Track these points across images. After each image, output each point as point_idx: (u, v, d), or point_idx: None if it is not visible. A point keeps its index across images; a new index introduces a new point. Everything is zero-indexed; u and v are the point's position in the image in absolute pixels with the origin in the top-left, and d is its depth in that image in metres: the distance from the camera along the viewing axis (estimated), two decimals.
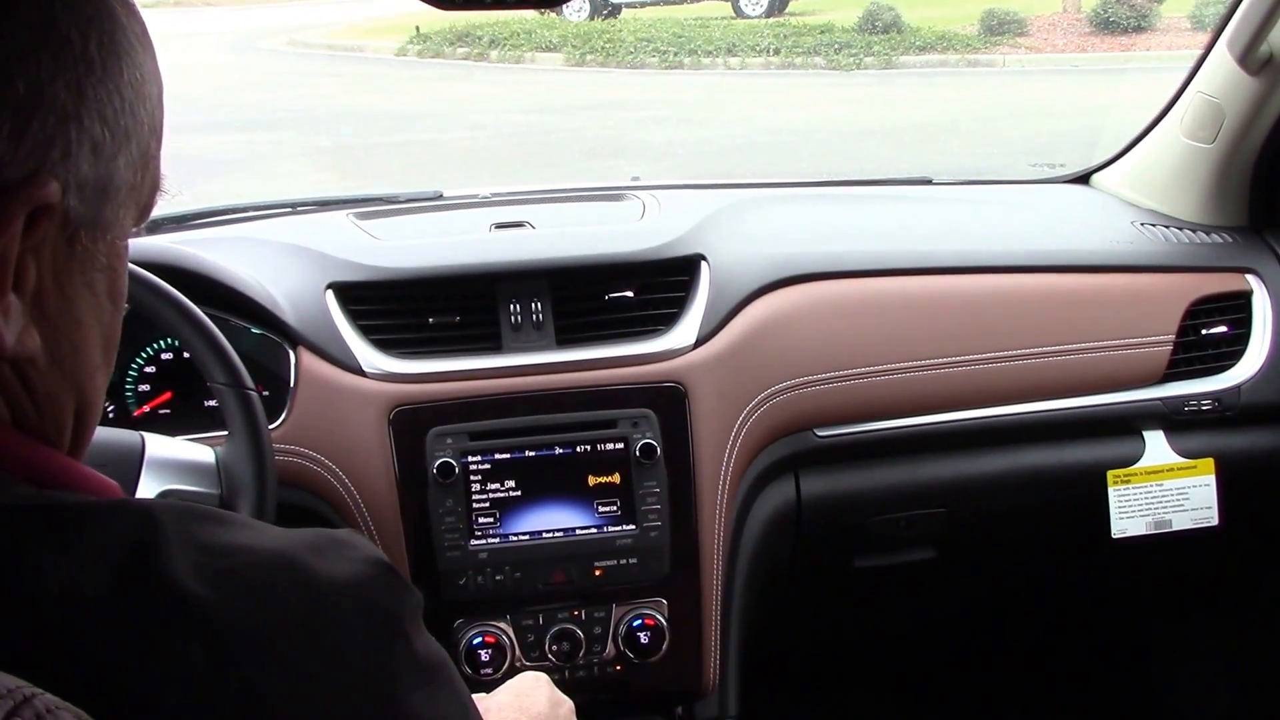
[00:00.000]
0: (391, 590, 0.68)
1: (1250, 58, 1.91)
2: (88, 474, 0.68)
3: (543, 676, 1.27)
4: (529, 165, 7.60)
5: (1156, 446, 1.94)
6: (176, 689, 0.58)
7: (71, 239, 0.65)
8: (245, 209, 2.04)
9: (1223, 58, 1.96)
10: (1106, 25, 12.10)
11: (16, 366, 0.65)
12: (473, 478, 1.64)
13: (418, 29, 13.48)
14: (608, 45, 12.59)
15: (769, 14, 14.59)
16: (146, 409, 1.70)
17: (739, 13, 14.69)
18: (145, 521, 0.62)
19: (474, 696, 1.25)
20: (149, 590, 0.59)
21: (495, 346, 1.71)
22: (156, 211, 2.08)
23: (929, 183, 2.32)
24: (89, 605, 0.58)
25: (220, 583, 0.61)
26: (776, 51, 12.36)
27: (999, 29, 12.41)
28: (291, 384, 1.66)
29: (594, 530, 1.66)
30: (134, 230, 0.72)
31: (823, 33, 12.70)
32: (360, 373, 1.66)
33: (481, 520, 1.64)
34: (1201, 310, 1.97)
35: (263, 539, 0.65)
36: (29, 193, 0.61)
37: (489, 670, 1.64)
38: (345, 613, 0.65)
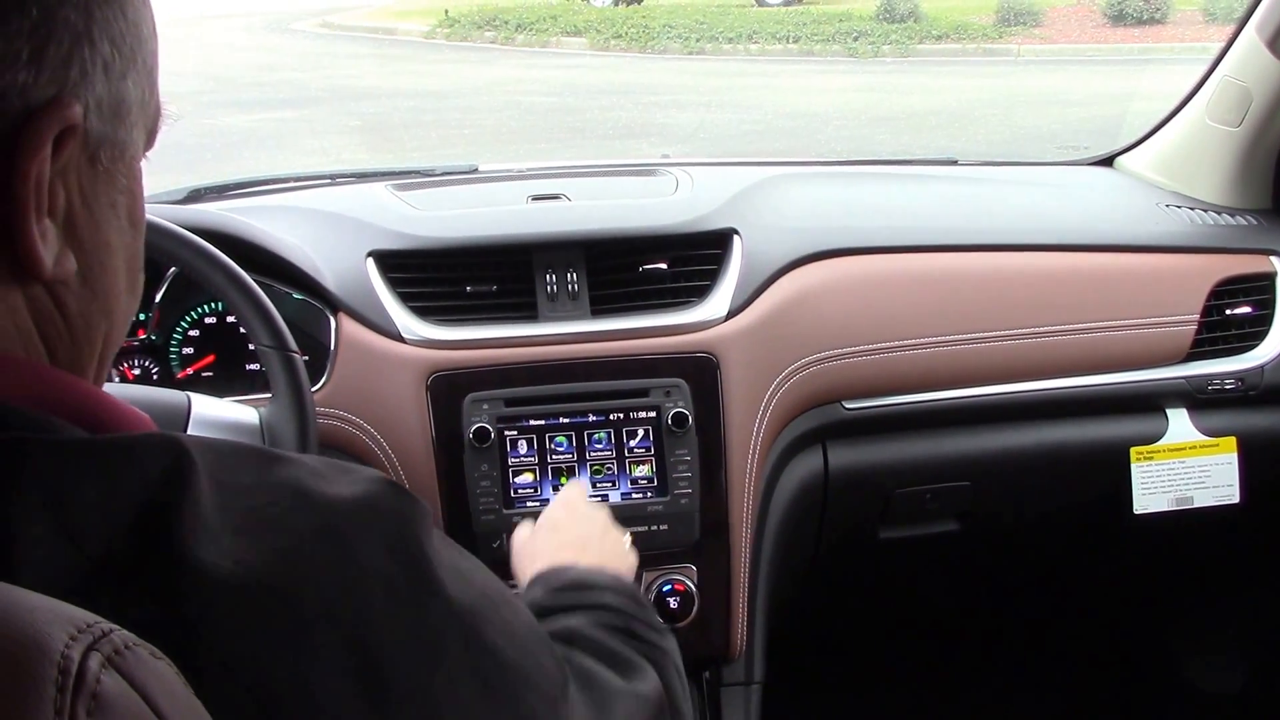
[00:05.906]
0: (398, 498, 0.70)
1: None
2: (129, 413, 0.70)
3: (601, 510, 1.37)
4: (558, 145, 7.63)
5: (1180, 424, 1.96)
6: (200, 640, 0.58)
7: (93, 160, 0.67)
8: (285, 179, 2.07)
9: (1251, 42, 1.97)
10: (1121, 17, 12.09)
11: (52, 291, 0.67)
12: (507, 443, 1.67)
13: (446, 12, 13.54)
14: (632, 30, 12.64)
15: (789, 2, 14.59)
16: (190, 371, 1.74)
17: (760, 1, 14.69)
18: (175, 457, 0.63)
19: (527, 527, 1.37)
20: (160, 546, 0.60)
21: (531, 315, 1.74)
22: (199, 181, 2.09)
23: (955, 163, 2.34)
24: (120, 542, 0.59)
25: (237, 524, 0.62)
26: (796, 39, 12.40)
27: (1015, 19, 12.41)
28: (332, 349, 1.69)
29: (626, 497, 1.69)
30: (145, 154, 0.74)
31: (841, 21, 12.72)
32: (399, 339, 1.69)
33: (515, 484, 1.67)
34: (1226, 291, 1.99)
35: (267, 474, 0.67)
36: (55, 114, 0.63)
37: None
38: (357, 526, 0.67)
